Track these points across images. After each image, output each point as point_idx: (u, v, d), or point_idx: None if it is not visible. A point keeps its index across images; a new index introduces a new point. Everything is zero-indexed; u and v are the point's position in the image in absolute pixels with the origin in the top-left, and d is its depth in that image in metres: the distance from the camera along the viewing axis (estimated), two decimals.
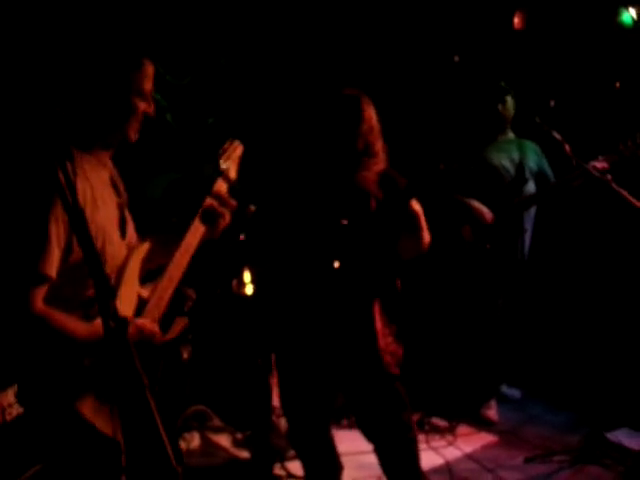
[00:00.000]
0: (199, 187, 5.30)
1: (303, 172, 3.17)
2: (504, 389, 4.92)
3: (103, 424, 1.97)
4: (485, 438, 4.40)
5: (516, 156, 4.61)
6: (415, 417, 4.50)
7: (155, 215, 4.76)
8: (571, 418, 4.57)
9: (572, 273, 5.06)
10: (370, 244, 3.01)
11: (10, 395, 3.43)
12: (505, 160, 4.61)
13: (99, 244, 2.14)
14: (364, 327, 3.05)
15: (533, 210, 4.71)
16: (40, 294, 2.03)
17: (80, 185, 2.09)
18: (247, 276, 4.65)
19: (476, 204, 4.48)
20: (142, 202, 4.63)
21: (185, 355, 4.24)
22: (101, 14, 4.61)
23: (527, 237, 4.67)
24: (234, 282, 4.63)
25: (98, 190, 2.22)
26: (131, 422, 1.63)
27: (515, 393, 4.94)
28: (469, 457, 4.18)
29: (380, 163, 3.06)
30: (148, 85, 2.29)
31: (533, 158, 4.65)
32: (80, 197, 2.04)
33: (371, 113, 3.06)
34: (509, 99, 4.63)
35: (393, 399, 3.12)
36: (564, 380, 4.86)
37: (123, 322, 1.56)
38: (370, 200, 3.03)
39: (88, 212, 2.09)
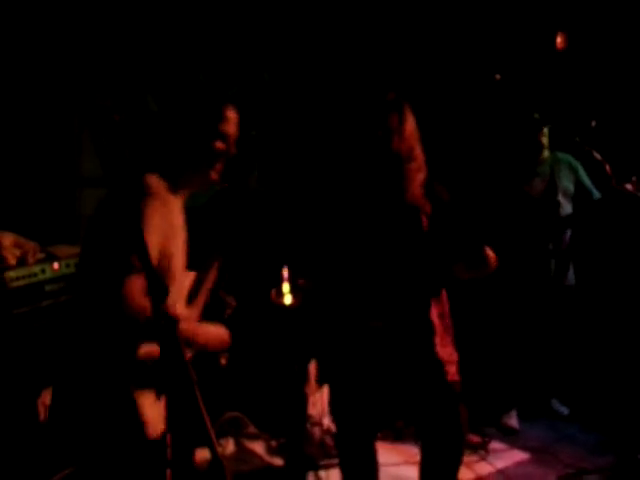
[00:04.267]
0: (243, 198, 5.41)
1: (351, 185, 3.15)
2: (555, 405, 4.95)
3: (156, 419, 2.07)
4: (517, 455, 4.40)
5: (547, 175, 4.61)
6: None
7: (196, 224, 4.86)
8: (604, 439, 4.54)
9: (611, 298, 5.06)
10: (423, 260, 3.05)
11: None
12: (538, 184, 4.62)
13: (167, 265, 2.26)
14: (421, 338, 3.06)
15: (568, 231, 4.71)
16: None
17: (165, 215, 2.25)
18: (286, 286, 4.72)
19: None
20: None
21: (223, 361, 4.31)
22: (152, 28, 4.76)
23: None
24: (273, 291, 4.70)
25: (175, 221, 2.33)
26: (179, 416, 1.70)
27: (564, 410, 4.95)
28: (501, 473, 4.18)
29: (422, 170, 3.06)
30: (230, 129, 2.39)
31: (567, 176, 4.64)
32: (161, 223, 2.21)
33: (412, 117, 3.06)
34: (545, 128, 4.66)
35: (455, 406, 3.14)
36: (598, 400, 4.86)
37: (173, 321, 1.64)
38: (420, 216, 3.05)
39: (165, 237, 2.23)
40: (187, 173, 2.38)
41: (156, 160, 2.38)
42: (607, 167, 4.20)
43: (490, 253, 3.05)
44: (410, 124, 3.04)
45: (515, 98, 5.27)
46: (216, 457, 1.51)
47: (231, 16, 5.30)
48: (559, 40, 5.61)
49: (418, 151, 3.06)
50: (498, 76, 5.70)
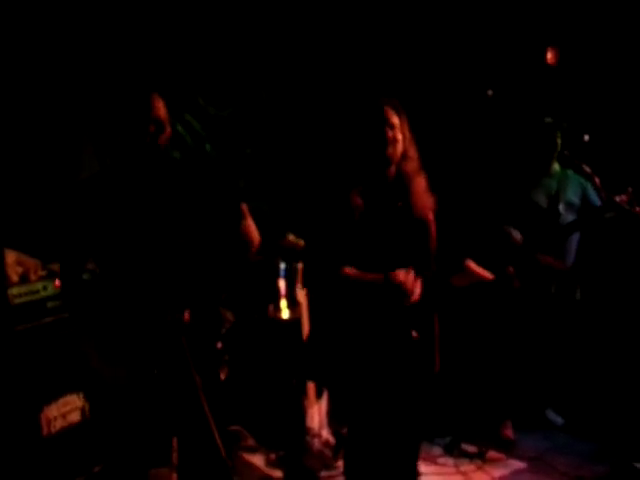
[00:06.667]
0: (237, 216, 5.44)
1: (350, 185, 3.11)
2: (550, 415, 5.00)
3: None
4: (514, 464, 4.43)
5: (553, 190, 4.61)
6: (445, 441, 4.62)
7: None
8: (599, 447, 4.58)
9: (607, 303, 5.11)
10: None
11: (54, 409, 3.59)
12: (541, 196, 4.64)
13: None
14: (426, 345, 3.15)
15: (575, 241, 4.73)
16: None
17: None
18: (283, 302, 4.79)
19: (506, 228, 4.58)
20: None
21: (222, 376, 4.36)
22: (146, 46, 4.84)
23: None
24: (270, 306, 4.78)
25: None
26: (184, 419, 1.76)
27: (558, 420, 4.99)
28: None
29: (421, 173, 3.13)
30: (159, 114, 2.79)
31: (574, 190, 4.62)
32: None
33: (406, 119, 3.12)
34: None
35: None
36: (592, 408, 4.92)
37: (177, 327, 1.70)
38: (429, 227, 3.14)
39: None
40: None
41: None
42: (597, 180, 4.27)
43: (473, 266, 3.12)
44: (407, 125, 3.10)
45: (514, 109, 5.34)
46: (222, 459, 1.57)
47: (228, 34, 5.38)
48: (549, 55, 5.70)
49: (414, 153, 3.13)
50: (490, 92, 5.79)
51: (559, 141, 4.58)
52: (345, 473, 3.40)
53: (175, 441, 1.76)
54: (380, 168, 3.09)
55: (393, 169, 3.10)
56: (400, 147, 3.07)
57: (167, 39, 4.98)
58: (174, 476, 1.73)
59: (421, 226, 3.14)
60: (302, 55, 5.70)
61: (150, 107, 2.76)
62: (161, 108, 2.80)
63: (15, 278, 3.66)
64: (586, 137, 4.45)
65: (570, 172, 4.63)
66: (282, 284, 4.79)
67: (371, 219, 3.06)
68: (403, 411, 3.30)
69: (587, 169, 4.29)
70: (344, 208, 3.05)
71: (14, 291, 3.59)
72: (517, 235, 4.52)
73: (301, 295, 4.40)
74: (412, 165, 3.11)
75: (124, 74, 4.60)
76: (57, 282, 3.75)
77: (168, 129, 2.81)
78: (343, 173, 3.18)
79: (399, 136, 3.06)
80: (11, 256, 3.69)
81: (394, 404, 3.24)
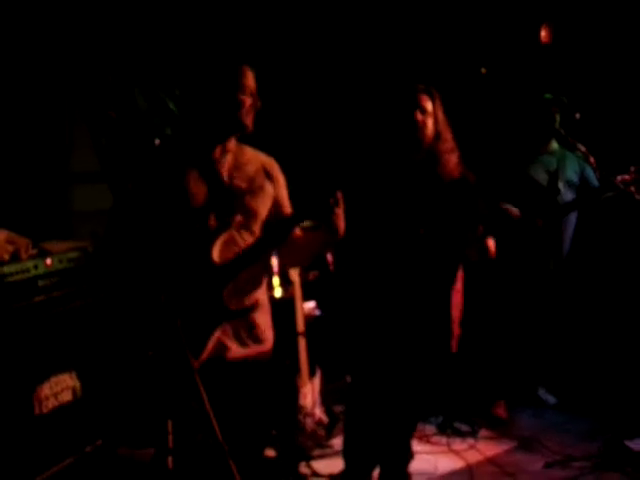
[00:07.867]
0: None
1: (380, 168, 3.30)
2: (542, 394, 5.01)
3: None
4: (506, 443, 4.46)
5: (553, 168, 4.59)
6: (438, 420, 4.63)
7: None
8: (591, 426, 4.61)
9: (602, 283, 5.10)
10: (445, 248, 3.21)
11: (47, 388, 3.57)
12: (541, 173, 4.61)
13: None
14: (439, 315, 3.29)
15: (573, 220, 4.73)
16: None
17: None
18: (276, 280, 4.76)
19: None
20: None
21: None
22: None
23: (565, 247, 4.70)
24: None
25: None
26: (180, 403, 1.74)
27: (550, 398, 5.01)
28: (490, 461, 4.24)
29: (454, 151, 3.27)
30: (249, 82, 2.62)
31: (573, 168, 4.61)
32: None
33: (441, 104, 3.28)
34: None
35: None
36: (584, 387, 4.93)
37: (173, 314, 1.68)
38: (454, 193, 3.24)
39: None
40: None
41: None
42: (592, 159, 4.25)
43: (491, 244, 3.22)
44: (441, 110, 3.26)
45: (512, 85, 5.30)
46: (218, 441, 1.56)
47: (226, 9, 5.32)
48: (543, 34, 5.66)
49: (449, 134, 3.27)
50: (484, 70, 5.75)
51: (558, 118, 4.55)
52: (343, 451, 3.43)
53: (170, 424, 1.75)
54: (409, 150, 3.24)
55: (423, 150, 3.24)
56: (431, 131, 3.22)
57: (159, 15, 4.94)
58: (170, 460, 1.72)
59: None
60: (296, 40, 5.66)
61: (244, 77, 2.59)
62: (253, 80, 2.62)
63: (6, 257, 3.63)
64: (577, 115, 4.43)
65: (568, 152, 4.61)
66: (275, 261, 4.75)
67: (394, 190, 3.20)
68: (407, 389, 3.33)
69: (582, 148, 4.27)
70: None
71: (5, 270, 3.55)
72: (515, 211, 4.49)
73: (294, 274, 4.38)
74: (446, 145, 3.24)
75: (112, 57, 4.56)
76: (48, 261, 3.72)
77: (259, 103, 2.64)
78: (372, 153, 3.36)
79: (430, 121, 3.21)
80: (1, 235, 3.66)
81: (399, 381, 3.27)
